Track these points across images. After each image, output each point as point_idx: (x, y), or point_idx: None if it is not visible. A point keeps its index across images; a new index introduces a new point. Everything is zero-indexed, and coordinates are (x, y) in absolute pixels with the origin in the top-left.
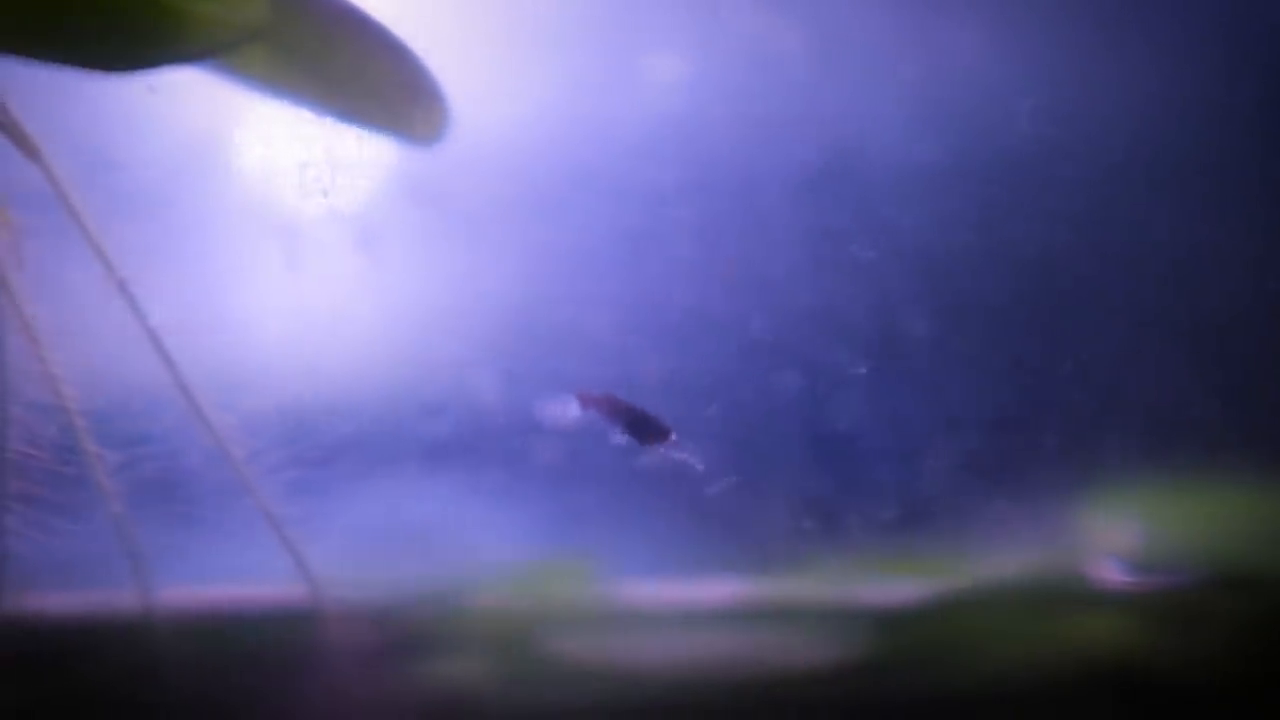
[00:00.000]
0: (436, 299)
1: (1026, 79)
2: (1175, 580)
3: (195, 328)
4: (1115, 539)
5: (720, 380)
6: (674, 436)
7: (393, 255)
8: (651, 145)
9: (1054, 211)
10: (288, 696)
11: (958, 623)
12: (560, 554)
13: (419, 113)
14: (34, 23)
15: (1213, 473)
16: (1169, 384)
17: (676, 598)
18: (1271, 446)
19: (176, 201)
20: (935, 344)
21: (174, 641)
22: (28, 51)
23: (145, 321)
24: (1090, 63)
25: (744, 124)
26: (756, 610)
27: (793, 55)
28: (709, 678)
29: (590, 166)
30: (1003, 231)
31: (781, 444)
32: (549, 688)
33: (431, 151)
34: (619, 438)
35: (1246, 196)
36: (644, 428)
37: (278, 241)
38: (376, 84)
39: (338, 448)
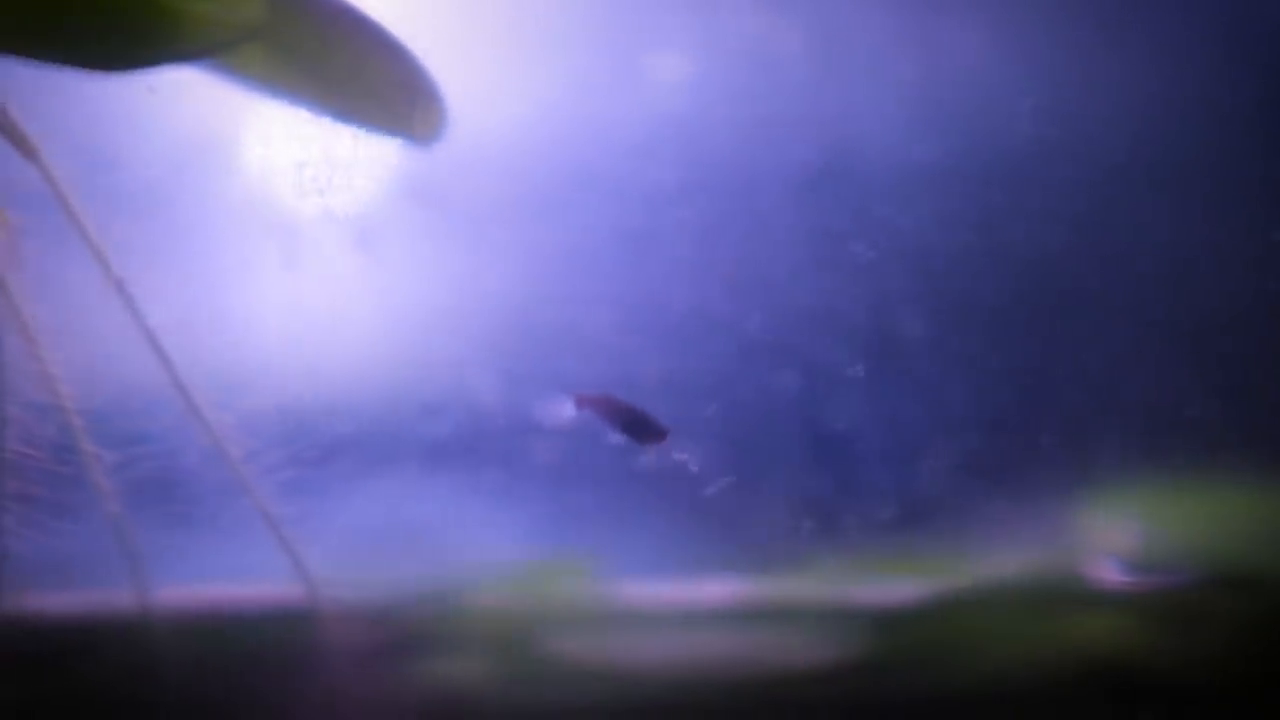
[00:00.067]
0: (435, 299)
1: (1026, 79)
2: (1174, 580)
3: (193, 327)
4: (1114, 539)
5: (720, 380)
6: (670, 436)
7: (392, 255)
8: (651, 145)
9: (1053, 212)
10: (286, 696)
11: (956, 623)
12: (559, 554)
13: (417, 113)
14: (32, 22)
15: (1211, 473)
16: (1168, 384)
17: (675, 597)
18: (1270, 446)
19: (174, 201)
20: (934, 344)
21: (172, 641)
22: (25, 51)
23: (143, 321)
24: (1090, 63)
25: (744, 124)
26: (755, 610)
27: (793, 56)
28: (708, 677)
29: (589, 166)
30: (1002, 232)
31: (781, 444)
32: (548, 687)
33: (430, 151)
34: (616, 438)
35: (1246, 197)
36: (640, 428)
37: (276, 241)
38: (374, 84)
39: (336, 447)
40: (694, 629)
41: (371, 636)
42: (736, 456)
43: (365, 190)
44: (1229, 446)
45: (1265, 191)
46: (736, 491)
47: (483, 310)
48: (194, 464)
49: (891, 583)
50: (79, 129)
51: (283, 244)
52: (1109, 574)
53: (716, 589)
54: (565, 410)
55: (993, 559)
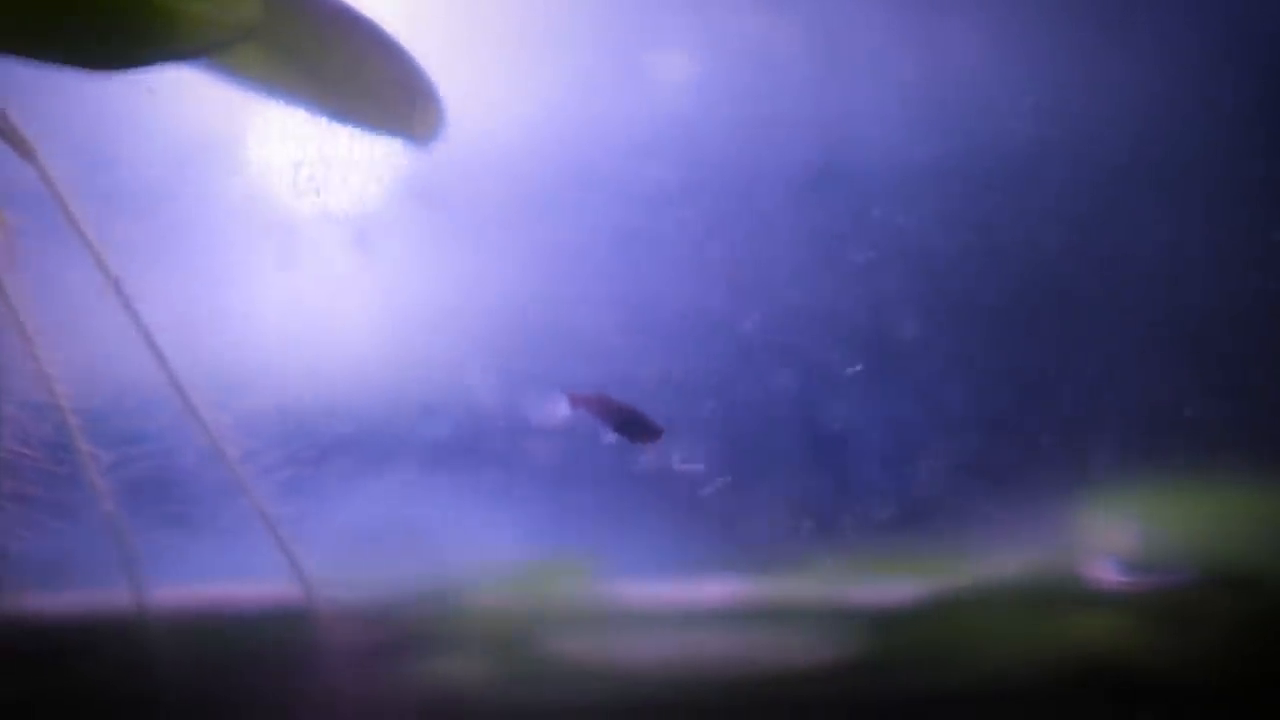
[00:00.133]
0: (434, 299)
1: (1026, 80)
2: (1172, 580)
3: (190, 327)
4: (1112, 539)
5: (719, 380)
6: (667, 436)
7: (390, 255)
8: (651, 145)
9: (1053, 212)
10: (284, 696)
11: (955, 622)
12: (557, 554)
13: (414, 113)
14: (28, 22)
15: (1210, 473)
16: (1167, 384)
17: (674, 597)
18: (1269, 446)
19: (171, 201)
20: (933, 344)
21: (169, 641)
22: (22, 51)
23: (140, 321)
24: (1090, 64)
25: (744, 125)
26: (754, 610)
27: (793, 56)
28: (706, 677)
29: (588, 167)
30: (1002, 232)
31: (780, 444)
32: (546, 687)
33: (428, 151)
34: (610, 437)
35: (1245, 197)
36: (635, 427)
37: (273, 241)
38: (371, 84)
39: (334, 447)
40: (693, 629)
41: (369, 636)
42: (736, 456)
43: (363, 190)
44: (1228, 446)
45: (1265, 192)
46: (735, 491)
47: (482, 310)
48: (191, 464)
49: (890, 583)
50: (76, 129)
51: (280, 244)
52: (1107, 574)
53: (715, 589)
54: (560, 409)
55: (991, 559)
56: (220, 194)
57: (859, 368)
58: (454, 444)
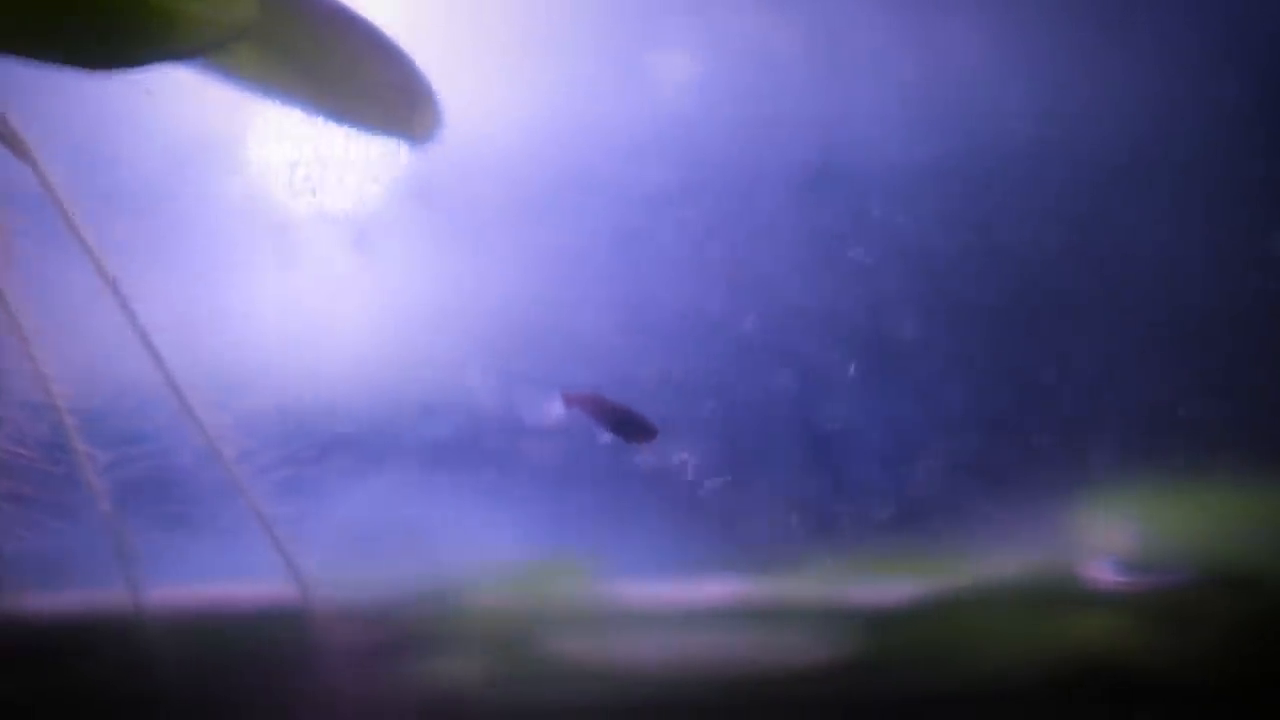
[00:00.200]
0: (432, 299)
1: (1025, 81)
2: (1171, 580)
3: (187, 327)
4: (1111, 539)
5: (717, 380)
6: (663, 435)
7: (387, 255)
8: (648, 146)
9: (1051, 213)
10: (282, 696)
11: (953, 622)
12: (556, 553)
13: (411, 113)
14: (23, 22)
15: (1209, 473)
16: (1165, 384)
17: (672, 597)
18: (1268, 446)
19: (168, 201)
20: (932, 344)
21: (166, 641)
22: (17, 51)
23: (137, 321)
24: (1090, 64)
25: (742, 125)
26: (751, 610)
27: (791, 56)
28: (704, 677)
29: (585, 167)
30: (1001, 232)
31: (778, 444)
32: (545, 687)
33: (425, 151)
34: (605, 437)
35: (1244, 197)
36: (630, 427)
37: (271, 241)
38: (368, 84)
39: (332, 447)
40: (691, 629)
41: (367, 636)
42: (734, 456)
43: (361, 190)
44: (1226, 447)
45: (1263, 192)
46: (734, 491)
47: (481, 310)
48: (189, 464)
49: (888, 582)
50: (72, 129)
51: (278, 244)
52: (1106, 574)
53: (714, 589)
54: (554, 409)
55: (990, 559)
56: (217, 194)
57: (858, 368)
58: (453, 444)
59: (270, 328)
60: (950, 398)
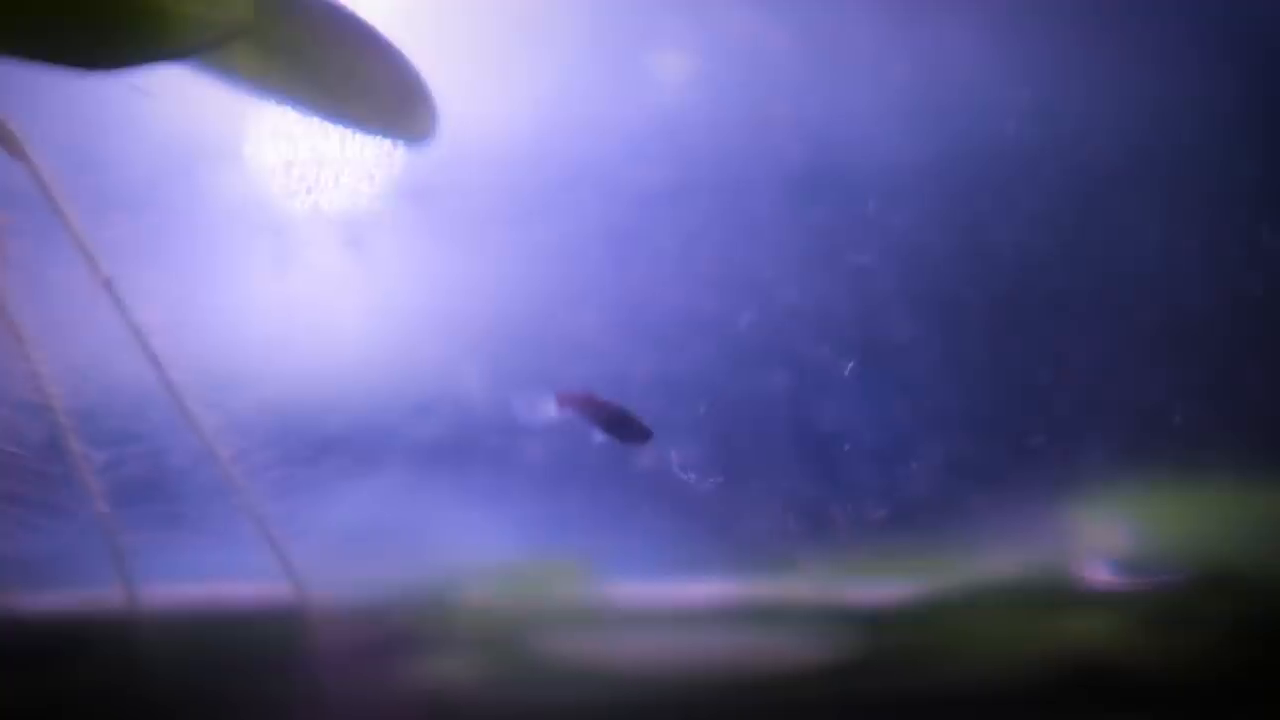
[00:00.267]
0: (426, 299)
1: (1020, 81)
2: (1163, 580)
3: (182, 327)
4: (1105, 539)
5: (711, 380)
6: (657, 436)
7: (382, 255)
8: (642, 146)
9: (1045, 213)
10: (276, 696)
11: (948, 623)
12: (550, 553)
13: (407, 113)
14: (16, 22)
15: (1203, 473)
16: (1157, 385)
17: (665, 598)
18: (1259, 446)
19: (163, 200)
20: (926, 344)
21: (160, 640)
22: (10, 50)
23: (131, 320)
24: (1083, 66)
25: (735, 124)
26: (746, 610)
27: (785, 56)
28: (697, 678)
29: (580, 167)
30: (995, 232)
31: (771, 444)
32: (538, 687)
33: (420, 151)
34: (599, 437)
35: (1233, 198)
36: (624, 428)
37: (265, 240)
38: (364, 84)
39: (326, 446)
40: (686, 629)
41: (362, 636)
42: (729, 456)
43: (356, 190)
44: (1221, 447)
45: (1252, 193)
46: (729, 491)
47: (475, 310)
48: (184, 463)
49: (883, 583)
50: (67, 128)
51: (272, 244)
52: (1101, 574)
53: (709, 589)
54: (547, 409)
55: (985, 559)
56: (213, 194)
57: (852, 368)
58: (448, 443)
59: (265, 327)
60: (945, 398)
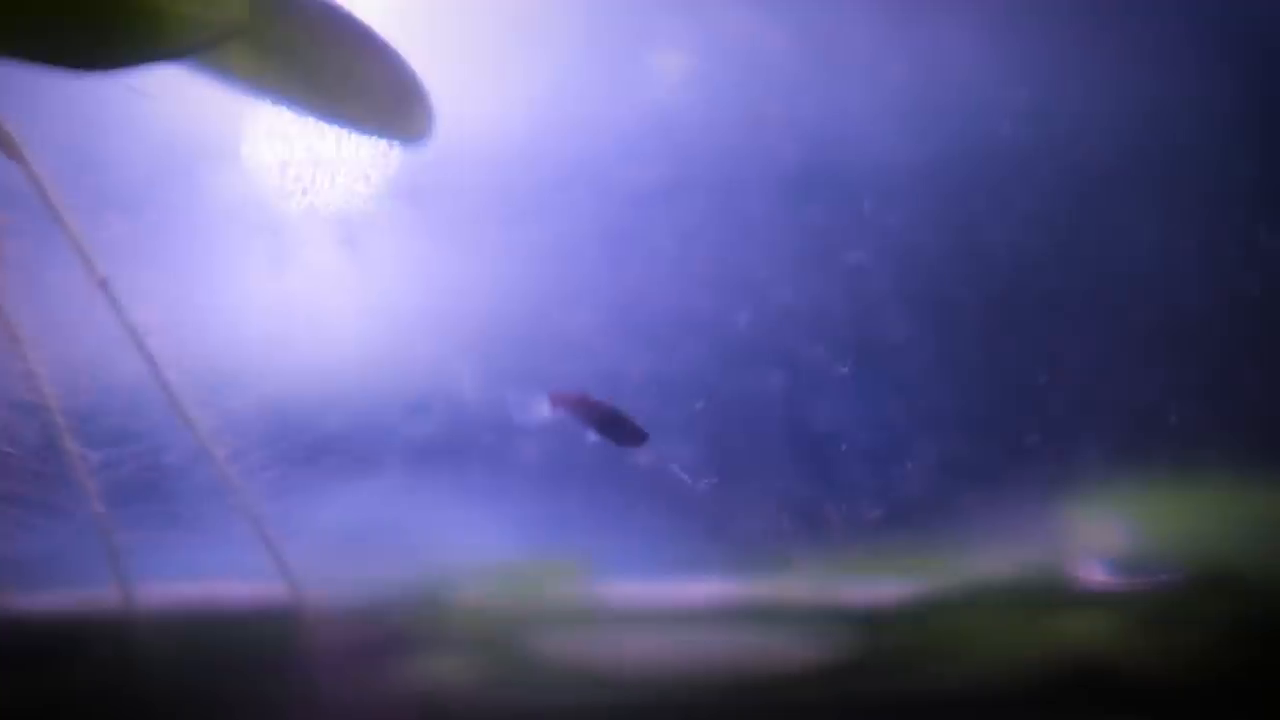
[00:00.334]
0: (422, 298)
1: (1013, 81)
2: (1160, 580)
3: (177, 326)
4: (1100, 539)
5: (706, 379)
6: (652, 438)
7: (377, 254)
8: (637, 145)
9: (1040, 212)
10: (271, 696)
11: (943, 623)
12: (545, 553)
13: (403, 113)
14: (11, 22)
15: (1198, 472)
16: (1152, 384)
17: (661, 597)
18: (1256, 445)
19: (158, 200)
20: (921, 344)
21: (155, 640)
22: (6, 50)
23: (126, 320)
24: (1078, 66)
25: (730, 124)
26: (741, 610)
27: (778, 55)
28: (693, 678)
29: (576, 166)
30: (990, 232)
31: (767, 443)
32: (533, 687)
33: (416, 151)
34: (593, 439)
35: (1228, 197)
36: (618, 430)
37: (261, 240)
38: (360, 84)
39: (321, 446)
40: (679, 629)
41: (357, 636)
42: (723, 456)
43: (351, 190)
44: (1215, 446)
45: (1247, 192)
46: (724, 491)
47: (470, 309)
48: (179, 463)
49: (877, 583)
50: (62, 128)
51: (268, 243)
52: (1095, 574)
53: (702, 589)
54: (541, 410)
55: (980, 559)
56: (208, 194)
57: (847, 368)
58: (443, 443)
59: (261, 327)
60: (940, 397)
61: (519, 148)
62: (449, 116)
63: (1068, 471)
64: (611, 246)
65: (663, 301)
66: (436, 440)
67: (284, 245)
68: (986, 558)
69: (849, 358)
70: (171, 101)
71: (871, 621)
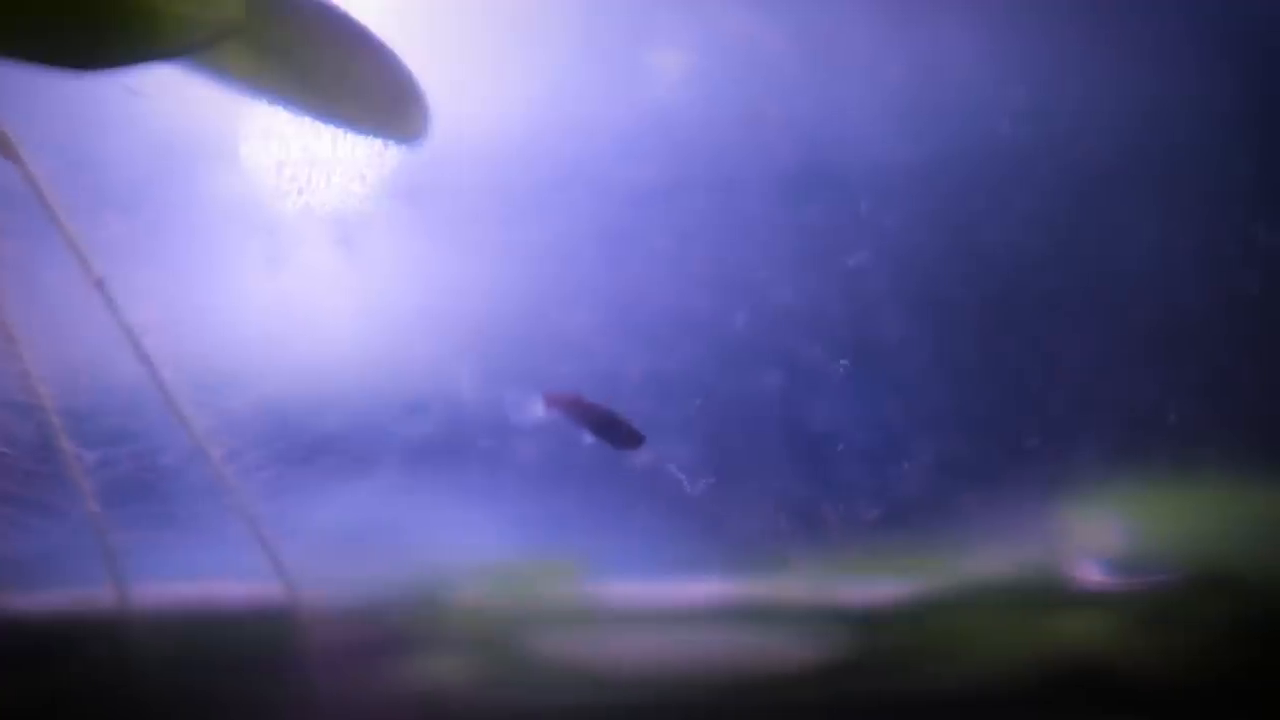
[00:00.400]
0: (419, 298)
1: (1011, 80)
2: (1158, 580)
3: (174, 326)
4: (1097, 539)
5: (703, 379)
6: (648, 440)
7: (374, 254)
8: (634, 144)
9: (1037, 212)
10: (267, 696)
11: (940, 623)
12: (542, 553)
13: (399, 112)
14: (7, 21)
15: (1195, 472)
16: (1150, 384)
17: (658, 597)
18: (1254, 445)
19: (155, 200)
20: (919, 344)
21: (151, 640)
22: (1, 50)
23: (123, 320)
24: (1076, 66)
25: (728, 123)
26: (738, 610)
27: (777, 54)
28: (691, 678)
29: (573, 166)
30: (987, 232)
31: (764, 443)
32: (530, 687)
33: (412, 150)
34: (589, 440)
35: (1226, 197)
36: (614, 431)
37: (257, 240)
38: (357, 83)
39: (318, 446)
40: (678, 629)
41: (353, 636)
42: (721, 456)
43: (348, 189)
44: (1213, 446)
45: (1246, 191)
46: (721, 491)
47: (467, 309)
48: (175, 463)
49: (875, 583)
50: (59, 128)
51: (264, 243)
52: (1093, 574)
53: (700, 589)
54: (535, 410)
55: (976, 559)
56: (205, 194)
57: (845, 367)
58: (439, 443)
59: (257, 327)
60: (937, 397)
61: (516, 147)
62: (445, 116)
63: (1066, 471)
64: (609, 246)
65: (661, 301)
66: (433, 440)
67: (280, 245)
68: (984, 558)
69: (847, 357)
70: (168, 101)
71: (869, 621)
